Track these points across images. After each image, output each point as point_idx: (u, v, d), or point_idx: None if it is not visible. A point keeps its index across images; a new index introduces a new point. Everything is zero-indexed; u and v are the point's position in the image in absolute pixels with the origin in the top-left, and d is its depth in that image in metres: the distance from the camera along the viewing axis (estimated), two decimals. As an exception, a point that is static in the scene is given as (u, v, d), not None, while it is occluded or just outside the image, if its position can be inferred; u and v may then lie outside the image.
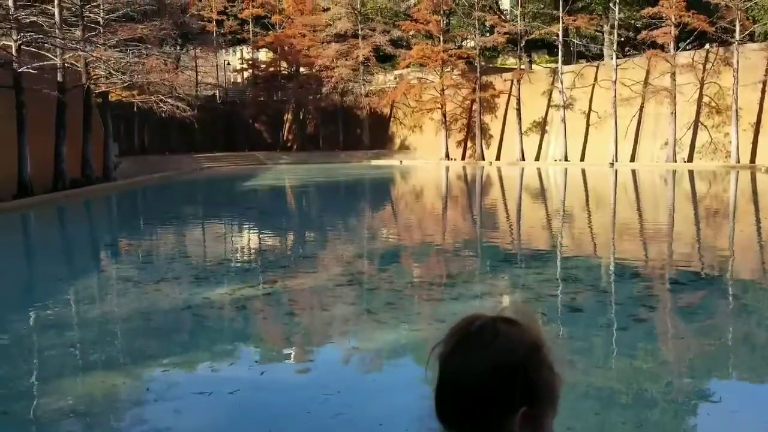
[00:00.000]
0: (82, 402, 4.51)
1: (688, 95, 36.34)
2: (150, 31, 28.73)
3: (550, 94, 43.62)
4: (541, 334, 0.93)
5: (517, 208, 19.39)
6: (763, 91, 33.64)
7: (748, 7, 35.01)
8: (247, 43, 60.91)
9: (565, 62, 43.67)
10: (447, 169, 40.83)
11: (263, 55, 64.19)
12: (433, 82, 47.15)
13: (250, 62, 62.21)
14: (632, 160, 38.58)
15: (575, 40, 48.68)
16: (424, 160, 47.60)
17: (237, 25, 57.11)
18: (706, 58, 36.46)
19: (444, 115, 47.16)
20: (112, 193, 26.04)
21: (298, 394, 4.63)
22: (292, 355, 5.61)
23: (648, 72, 38.11)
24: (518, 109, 43.50)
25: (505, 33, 43.41)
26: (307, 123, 60.09)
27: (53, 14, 23.11)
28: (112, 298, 7.77)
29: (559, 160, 41.06)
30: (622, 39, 42.02)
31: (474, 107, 46.64)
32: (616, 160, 37.86)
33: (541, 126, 44.25)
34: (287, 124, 61.36)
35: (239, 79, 68.95)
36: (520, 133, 43.44)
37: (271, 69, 58.76)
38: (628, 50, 47.53)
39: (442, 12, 46.28)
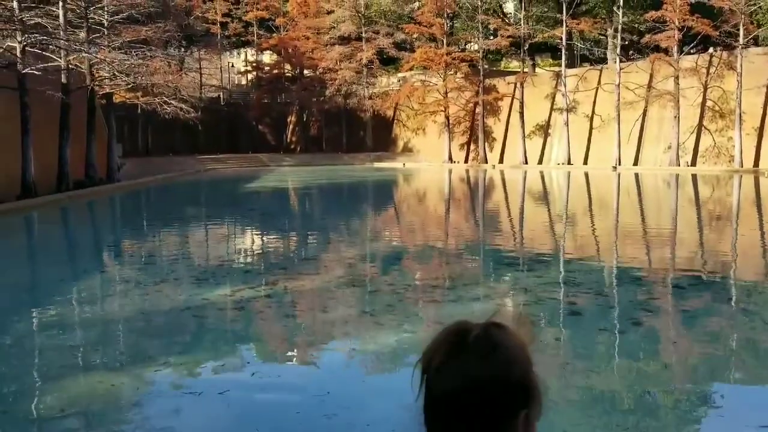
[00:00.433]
0: (78, 402, 4.52)
1: (692, 99, 36.32)
2: (154, 33, 28.83)
3: (554, 98, 43.63)
4: (528, 336, 0.95)
5: (520, 211, 19.39)
6: (767, 95, 33.59)
7: (752, 11, 34.98)
8: (251, 45, 61.07)
9: (569, 66, 43.68)
10: (450, 171, 40.83)
11: (267, 57, 64.40)
12: (436, 84, 47.19)
13: (254, 64, 62.41)
14: (635, 163, 38.55)
15: (579, 44, 48.68)
16: (427, 162, 47.62)
17: (241, 28, 57.27)
18: (710, 62, 36.43)
19: (447, 117, 47.20)
20: (115, 194, 26.11)
21: (288, 394, 4.64)
22: (287, 357, 5.62)
23: (651, 76, 38.09)
24: (521, 113, 43.50)
25: (509, 36, 43.46)
26: (311, 125, 60.20)
27: (58, 16, 23.21)
28: (111, 299, 7.79)
29: (562, 163, 41.04)
30: (626, 43, 42.05)
31: (477, 110, 46.65)
32: (620, 164, 37.84)
33: (544, 129, 44.25)
34: (291, 126, 61.49)
35: (243, 81, 69.15)
36: (523, 137, 43.44)
37: (275, 71, 58.93)
38: (632, 54, 47.55)
39: (445, 15, 46.35)
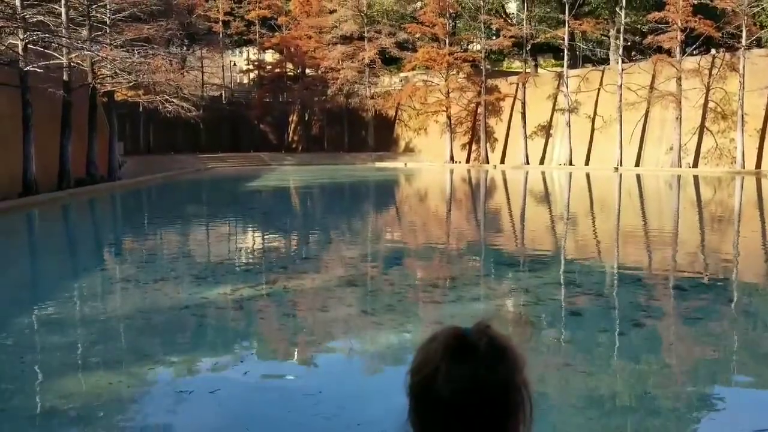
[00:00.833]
0: (71, 400, 4.51)
1: (694, 100, 36.25)
2: (156, 31, 28.81)
3: (556, 98, 43.57)
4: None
5: (521, 211, 19.36)
6: (769, 97, 33.50)
7: (755, 13, 34.91)
8: (254, 44, 61.07)
9: (571, 66, 43.62)
10: (451, 172, 40.80)
11: (269, 56, 64.36)
12: (438, 84, 47.15)
13: (256, 63, 62.38)
14: (637, 164, 38.50)
15: (581, 45, 48.61)
16: (429, 162, 47.59)
17: (243, 27, 57.27)
18: (712, 64, 36.35)
19: (449, 117, 47.17)
20: (116, 192, 26.11)
21: (282, 394, 4.63)
22: (284, 356, 5.59)
23: (654, 77, 38.02)
24: (523, 113, 43.45)
25: (511, 36, 43.40)
26: (312, 124, 60.20)
27: (60, 14, 23.21)
28: (110, 297, 7.78)
29: (564, 164, 40.99)
30: (628, 43, 41.98)
31: (479, 110, 46.61)
32: (621, 165, 37.78)
33: (546, 130, 44.21)
34: (292, 126, 61.48)
35: (245, 80, 69.15)
36: (525, 137, 43.39)
37: (277, 70, 58.91)
38: (634, 55, 47.48)
39: (448, 15, 46.30)
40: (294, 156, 53.36)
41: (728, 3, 33.77)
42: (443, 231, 14.69)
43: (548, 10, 45.41)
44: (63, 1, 23.30)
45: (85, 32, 25.05)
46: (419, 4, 50.58)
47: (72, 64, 23.87)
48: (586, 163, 40.74)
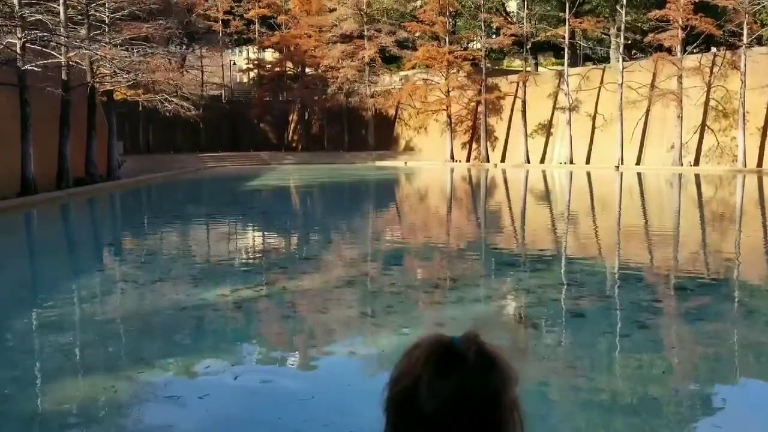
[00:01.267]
0: (64, 404, 4.42)
1: (695, 98, 36.15)
2: (155, 30, 28.72)
3: (556, 97, 43.48)
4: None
5: (522, 210, 19.26)
6: (770, 95, 33.39)
7: (755, 11, 34.80)
8: (253, 43, 60.96)
9: (571, 65, 43.50)
10: (452, 170, 40.71)
11: (269, 55, 64.25)
12: (438, 83, 47.04)
13: (256, 62, 62.28)
14: (638, 163, 38.40)
15: (582, 43, 48.47)
16: (429, 161, 47.49)
17: (243, 25, 57.14)
18: (713, 62, 36.24)
19: (449, 116, 47.07)
20: (115, 191, 26.02)
21: (275, 398, 4.54)
22: (280, 360, 5.49)
23: (654, 75, 37.92)
24: (524, 112, 43.35)
25: (512, 35, 43.28)
26: (312, 123, 60.10)
27: (59, 13, 23.11)
28: (107, 298, 7.69)
29: (565, 162, 40.90)
30: (629, 42, 41.83)
31: (479, 109, 46.51)
32: (622, 163, 37.68)
33: (547, 128, 44.11)
34: (292, 125, 61.38)
35: (245, 79, 69.03)
36: (526, 136, 43.30)
37: (277, 69, 58.79)
38: (635, 53, 47.35)
39: (448, 13, 46.18)
40: (294, 155, 53.27)
41: (729, 1, 33.65)
42: (444, 230, 14.60)
43: (548, 8, 45.28)
44: (61, 0, 23.20)
45: (83, 31, 24.95)
46: (419, 2, 50.47)
47: (71, 63, 23.77)
48: (587, 162, 40.65)
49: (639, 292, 7.59)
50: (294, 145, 59.83)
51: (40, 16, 21.55)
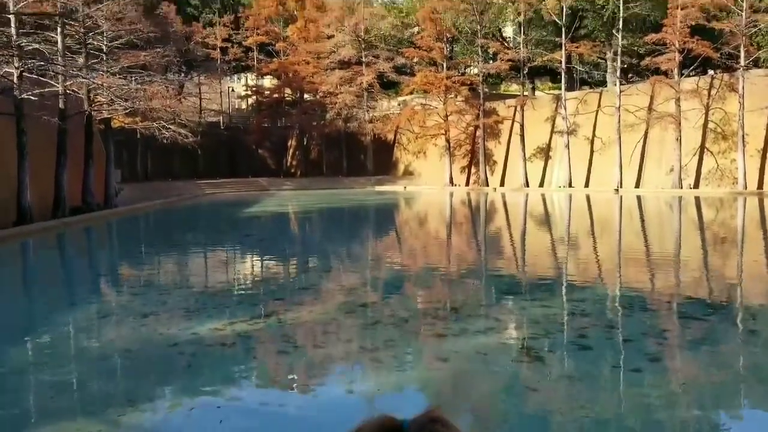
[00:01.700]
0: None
1: (694, 121, 36.19)
2: (153, 58, 28.77)
3: (554, 121, 43.57)
4: None
5: (522, 235, 19.03)
6: (769, 117, 33.39)
7: (752, 34, 34.98)
8: (252, 70, 61.33)
9: (568, 89, 43.67)
10: (451, 195, 40.57)
11: (267, 81, 64.62)
12: (436, 108, 47.18)
13: (255, 89, 62.62)
14: (637, 186, 38.30)
15: (578, 67, 48.75)
16: (428, 185, 47.40)
17: (241, 53, 57.54)
18: (711, 84, 36.35)
19: (448, 141, 47.12)
20: (111, 219, 25.80)
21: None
22: (275, 401, 5.20)
23: (652, 98, 38.01)
24: (522, 135, 43.41)
25: (508, 60, 43.53)
26: (311, 149, 60.17)
27: (56, 42, 23.12)
28: (94, 333, 7.40)
29: (564, 186, 40.79)
30: (626, 65, 42.04)
31: (478, 133, 46.57)
32: (621, 186, 37.57)
33: (545, 152, 44.10)
34: (291, 150, 61.44)
35: (243, 106, 69.35)
36: (524, 159, 43.28)
37: (275, 95, 59.07)
38: (631, 76, 47.59)
39: (445, 39, 46.49)
40: (293, 181, 53.21)
41: (726, 24, 33.85)
42: (444, 256, 14.35)
43: (545, 33, 45.60)
44: (59, 30, 23.23)
45: (81, 60, 24.94)
46: (417, 29, 50.84)
47: (68, 91, 23.71)
48: (586, 185, 40.54)
49: (647, 321, 7.33)
50: (293, 170, 59.83)
51: (37, 45, 21.52)
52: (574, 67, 47.39)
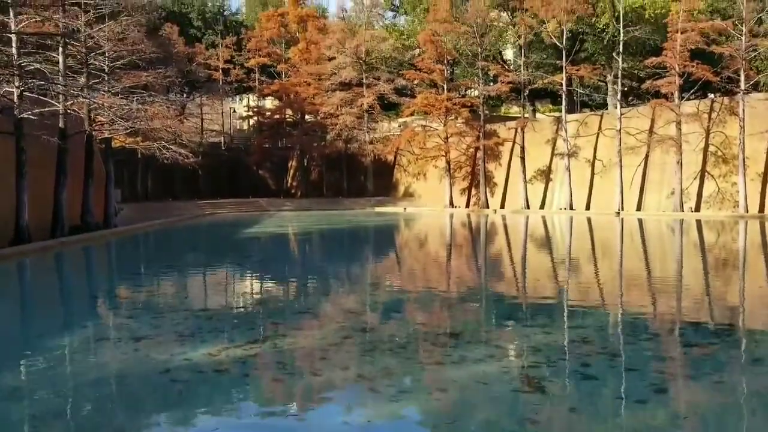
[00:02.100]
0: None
1: (694, 144, 36.22)
2: (155, 78, 28.88)
3: (554, 143, 43.61)
4: None
5: (523, 258, 18.86)
6: (770, 141, 33.39)
7: (751, 58, 35.14)
8: (253, 91, 61.67)
9: (569, 111, 43.77)
10: (451, 216, 40.44)
11: (269, 102, 64.93)
12: (437, 129, 47.29)
13: (256, 110, 62.91)
14: (638, 209, 38.20)
15: (579, 90, 48.96)
16: (428, 207, 47.31)
17: (243, 74, 57.91)
18: (711, 108, 36.44)
19: (448, 162, 47.13)
20: (110, 239, 25.65)
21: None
22: (265, 428, 5.01)
23: (653, 121, 38.09)
24: (522, 158, 43.42)
25: (509, 82, 43.72)
26: (311, 170, 60.23)
27: (58, 62, 23.18)
28: (83, 359, 7.20)
29: (564, 208, 40.69)
30: (626, 89, 42.19)
31: (478, 155, 46.61)
32: (622, 209, 37.46)
33: (546, 174, 44.08)
34: (291, 171, 61.51)
35: (245, 126, 69.64)
36: (525, 182, 43.25)
37: (277, 116, 59.32)
38: (632, 99, 47.76)
39: (446, 62, 46.74)
40: (293, 201, 53.15)
41: (725, 48, 34.01)
42: (444, 279, 14.17)
43: (545, 56, 45.85)
44: (61, 50, 23.30)
45: (82, 80, 24.99)
46: (417, 51, 51.14)
47: (68, 111, 23.72)
48: (587, 208, 40.44)
49: (651, 349, 7.15)
50: (293, 191, 59.84)
51: (38, 65, 21.56)
52: (574, 89, 47.60)
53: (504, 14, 49.87)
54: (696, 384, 6.08)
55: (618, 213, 36.84)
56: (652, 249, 21.13)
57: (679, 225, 29.56)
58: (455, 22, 44.61)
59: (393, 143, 50.60)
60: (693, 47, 34.73)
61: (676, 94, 35.88)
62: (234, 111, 67.95)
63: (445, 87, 46.32)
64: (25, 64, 20.87)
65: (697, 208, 35.85)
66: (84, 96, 24.07)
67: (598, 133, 41.22)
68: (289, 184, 61.27)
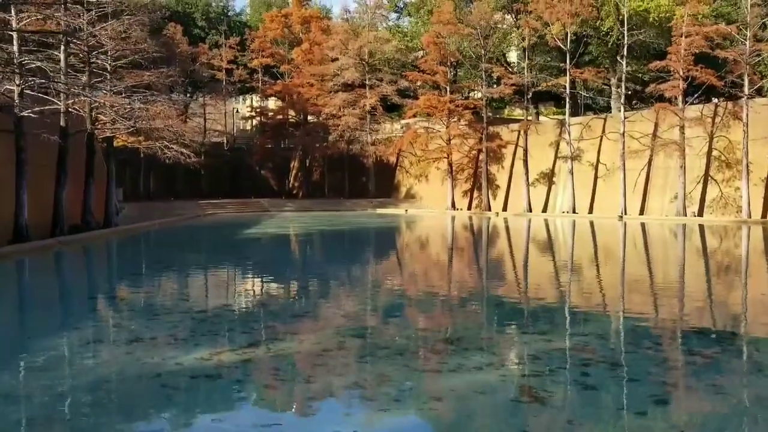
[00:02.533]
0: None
1: (698, 148, 36.04)
2: (157, 78, 28.79)
3: (558, 146, 43.43)
4: None
5: (524, 262, 18.72)
6: (773, 146, 33.19)
7: (755, 63, 34.97)
8: (256, 91, 61.64)
9: (573, 114, 43.62)
10: (453, 219, 40.30)
11: (272, 103, 64.91)
12: (439, 131, 47.15)
13: (259, 110, 62.90)
14: (641, 213, 38.01)
15: (582, 93, 48.78)
16: (430, 209, 47.17)
17: (246, 74, 57.87)
18: (715, 112, 36.27)
19: (450, 164, 46.98)
20: (110, 238, 25.57)
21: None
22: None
23: (656, 125, 37.92)
24: (525, 160, 43.27)
25: (512, 85, 43.57)
26: (313, 170, 60.16)
27: (59, 60, 23.09)
28: (73, 363, 7.09)
29: (567, 212, 40.51)
30: (630, 92, 42.01)
31: (480, 157, 46.46)
32: (625, 213, 37.28)
33: (549, 177, 43.90)
34: (293, 172, 61.45)
35: (247, 127, 69.56)
36: (527, 184, 43.08)
37: (279, 117, 59.26)
38: (636, 103, 47.58)
39: (449, 63, 46.60)
40: (294, 202, 53.05)
41: (729, 53, 33.84)
42: (445, 283, 14.05)
43: (549, 59, 45.69)
44: (63, 48, 23.22)
45: (84, 78, 24.92)
46: (420, 52, 51.02)
47: (70, 109, 23.64)
48: (590, 211, 40.26)
49: (653, 357, 7.01)
50: (295, 191, 59.76)
51: (40, 63, 21.48)
52: (578, 92, 47.43)
53: (508, 16, 49.73)
54: (697, 393, 5.94)
55: (621, 217, 36.67)
56: (655, 254, 20.98)
57: (682, 229, 29.40)
58: (459, 24, 44.48)
59: (395, 145, 50.49)
60: (697, 51, 34.56)
61: (680, 98, 35.71)
62: (237, 111, 67.92)
63: (448, 89, 46.18)
64: (26, 62, 20.79)
65: (700, 213, 35.67)
66: (86, 95, 23.99)
67: (601, 137, 41.05)
68: (290, 185, 61.20)
